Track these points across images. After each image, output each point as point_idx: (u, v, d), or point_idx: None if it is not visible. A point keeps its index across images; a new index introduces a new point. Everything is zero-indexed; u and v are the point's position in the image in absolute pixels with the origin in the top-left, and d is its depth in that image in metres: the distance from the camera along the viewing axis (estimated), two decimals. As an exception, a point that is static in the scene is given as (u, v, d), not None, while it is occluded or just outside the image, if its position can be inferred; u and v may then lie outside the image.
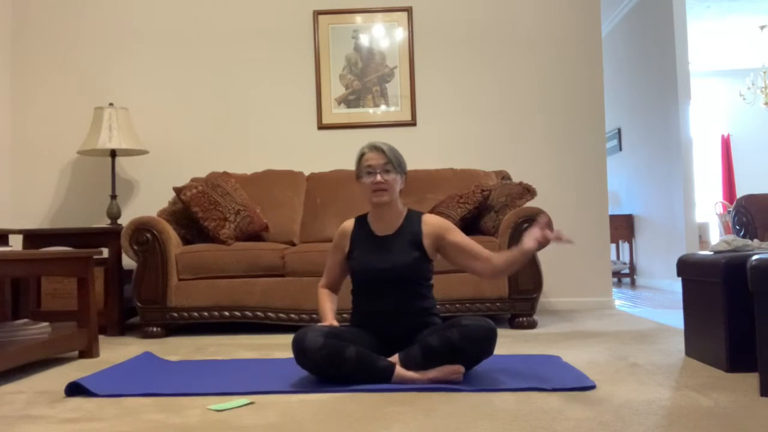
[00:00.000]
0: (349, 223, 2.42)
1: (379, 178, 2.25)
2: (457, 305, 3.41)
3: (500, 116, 4.50)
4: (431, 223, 2.34)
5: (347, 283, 2.46)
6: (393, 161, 2.28)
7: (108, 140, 4.01)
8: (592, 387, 2.00)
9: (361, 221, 2.40)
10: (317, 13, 4.51)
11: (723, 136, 9.40)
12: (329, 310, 2.37)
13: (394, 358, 2.11)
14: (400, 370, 2.08)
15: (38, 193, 4.50)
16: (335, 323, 2.26)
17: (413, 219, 2.35)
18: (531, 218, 3.45)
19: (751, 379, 2.06)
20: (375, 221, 2.36)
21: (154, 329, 3.48)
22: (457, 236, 2.32)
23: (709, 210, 8.91)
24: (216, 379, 2.27)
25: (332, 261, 2.45)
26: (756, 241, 2.50)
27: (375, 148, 2.30)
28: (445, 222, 2.36)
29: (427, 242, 2.30)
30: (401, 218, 2.35)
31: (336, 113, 4.50)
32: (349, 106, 4.50)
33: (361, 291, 2.34)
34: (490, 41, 4.52)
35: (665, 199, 5.95)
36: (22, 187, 4.50)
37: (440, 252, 2.34)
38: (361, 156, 2.32)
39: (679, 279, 2.58)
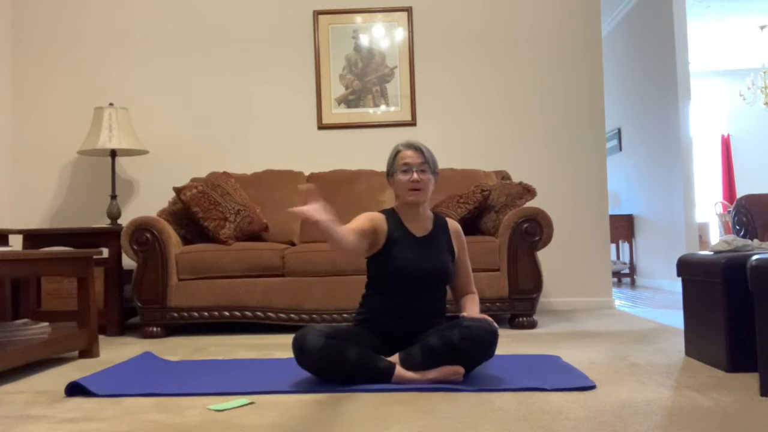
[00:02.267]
0: (381, 216, 2.30)
1: (416, 176, 2.24)
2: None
3: (500, 116, 4.50)
4: (456, 228, 2.41)
5: (355, 284, 2.45)
6: (429, 162, 2.28)
7: (108, 140, 4.01)
8: (592, 387, 2.00)
9: (393, 218, 2.31)
10: (317, 13, 4.51)
11: (723, 136, 9.40)
12: (333, 226, 2.02)
13: (394, 358, 2.12)
14: (400, 371, 2.07)
15: (38, 193, 4.50)
16: (321, 215, 1.96)
17: (441, 222, 2.38)
18: (531, 218, 3.45)
19: (751, 379, 2.06)
20: (409, 221, 2.32)
21: (154, 329, 3.48)
22: (468, 260, 2.43)
23: (709, 210, 8.91)
24: (216, 379, 2.27)
25: (362, 225, 2.21)
26: (756, 241, 2.50)
27: (413, 146, 2.29)
28: (464, 236, 2.43)
29: (454, 246, 2.37)
30: (431, 220, 2.36)
31: (336, 113, 4.49)
32: (349, 106, 4.50)
33: (388, 289, 2.26)
34: (490, 41, 4.52)
35: (665, 199, 5.95)
36: (22, 187, 4.50)
37: None
38: (397, 153, 2.30)
39: (679, 279, 2.58)
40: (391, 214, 2.33)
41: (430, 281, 2.27)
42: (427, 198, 2.31)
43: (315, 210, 1.96)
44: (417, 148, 2.28)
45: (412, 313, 2.25)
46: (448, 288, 2.41)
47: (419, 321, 2.25)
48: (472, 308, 2.35)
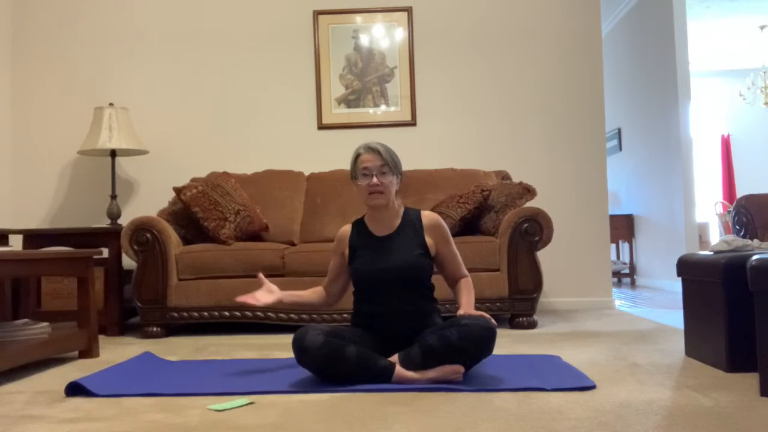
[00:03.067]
0: (347, 229, 2.41)
1: (375, 180, 2.24)
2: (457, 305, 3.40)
3: (500, 116, 4.50)
4: (431, 219, 2.35)
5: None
6: (389, 163, 2.27)
7: (108, 140, 4.01)
8: (592, 387, 2.00)
9: (359, 225, 2.39)
10: (317, 13, 4.51)
11: (723, 136, 9.40)
12: (292, 292, 2.44)
13: (394, 358, 2.11)
14: (400, 370, 2.07)
15: (38, 193, 4.50)
16: (269, 297, 2.33)
17: (412, 216, 2.35)
18: (531, 218, 3.45)
19: (751, 379, 2.06)
20: (373, 222, 2.35)
21: (154, 329, 3.48)
22: (453, 247, 2.39)
23: (709, 210, 8.91)
24: (216, 379, 2.27)
25: (332, 264, 2.47)
26: (756, 241, 2.50)
27: (371, 149, 2.28)
28: (444, 225, 2.37)
29: (428, 239, 2.32)
30: (399, 217, 2.35)
31: (336, 113, 4.50)
32: (349, 106, 4.50)
33: (362, 293, 2.33)
34: (490, 41, 4.52)
35: (665, 199, 5.95)
36: (22, 187, 4.50)
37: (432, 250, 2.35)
38: (357, 157, 2.30)
39: (679, 279, 2.58)
40: (357, 223, 2.40)
41: (395, 280, 2.24)
42: (390, 199, 2.30)
43: (264, 295, 2.32)
44: (376, 151, 2.27)
45: (391, 313, 2.25)
46: (440, 284, 2.40)
47: (405, 321, 2.25)
48: (467, 300, 2.32)
